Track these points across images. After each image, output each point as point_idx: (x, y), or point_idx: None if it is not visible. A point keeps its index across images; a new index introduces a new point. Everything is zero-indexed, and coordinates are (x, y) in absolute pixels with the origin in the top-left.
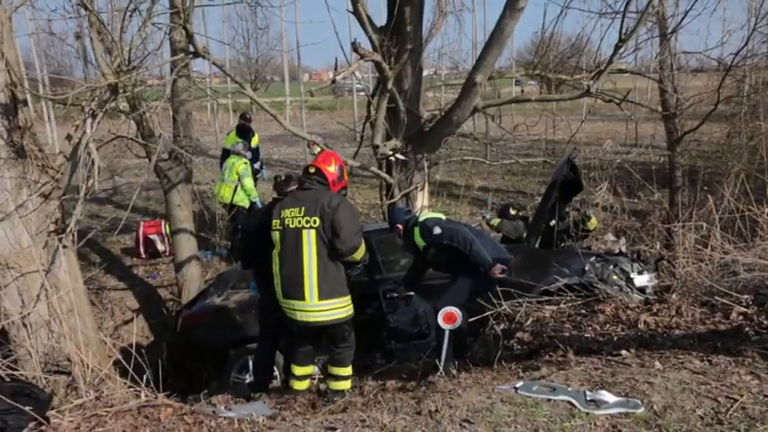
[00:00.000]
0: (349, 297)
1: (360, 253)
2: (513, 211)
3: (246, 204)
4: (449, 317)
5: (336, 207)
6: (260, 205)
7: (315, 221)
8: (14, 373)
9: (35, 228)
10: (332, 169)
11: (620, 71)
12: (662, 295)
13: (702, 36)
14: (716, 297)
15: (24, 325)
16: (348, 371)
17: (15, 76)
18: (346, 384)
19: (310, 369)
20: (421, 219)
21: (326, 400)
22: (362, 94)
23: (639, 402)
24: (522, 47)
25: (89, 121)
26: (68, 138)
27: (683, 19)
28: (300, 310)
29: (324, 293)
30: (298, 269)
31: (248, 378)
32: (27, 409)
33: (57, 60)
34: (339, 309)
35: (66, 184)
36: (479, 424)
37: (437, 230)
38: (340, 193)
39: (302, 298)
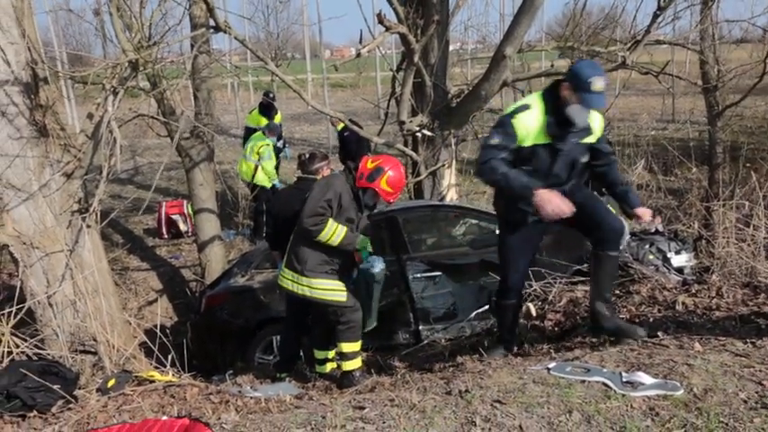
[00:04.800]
0: (332, 282)
1: (324, 236)
2: None
3: (268, 185)
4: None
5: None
6: (280, 187)
7: None
8: (41, 352)
9: (59, 207)
10: (369, 165)
11: (658, 42)
12: (701, 276)
13: (747, 3)
14: (759, 278)
15: (50, 305)
16: (352, 347)
17: (36, 54)
18: (354, 364)
19: (329, 353)
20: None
21: (339, 385)
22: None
23: (678, 384)
24: (552, 19)
25: (110, 98)
26: (90, 116)
27: None
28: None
29: (301, 268)
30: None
31: (273, 359)
32: (55, 387)
33: (75, 38)
34: (319, 289)
35: (89, 163)
36: (511, 404)
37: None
38: (343, 180)
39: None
